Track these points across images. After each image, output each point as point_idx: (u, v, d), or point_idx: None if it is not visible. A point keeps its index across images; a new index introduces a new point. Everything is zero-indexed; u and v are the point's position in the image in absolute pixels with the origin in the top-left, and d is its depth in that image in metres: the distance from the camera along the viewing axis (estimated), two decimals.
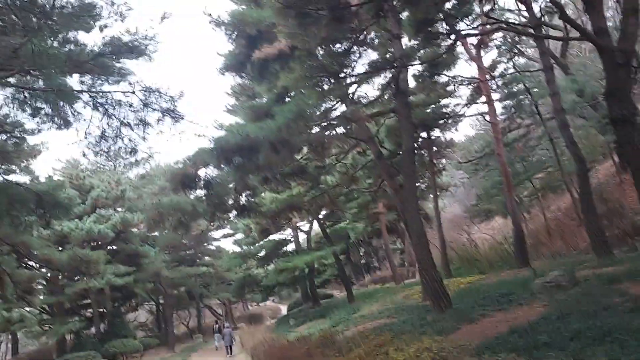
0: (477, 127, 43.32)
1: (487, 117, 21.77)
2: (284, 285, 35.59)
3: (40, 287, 28.50)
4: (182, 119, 10.32)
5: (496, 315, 9.82)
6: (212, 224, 40.35)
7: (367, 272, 51.47)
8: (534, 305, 9.47)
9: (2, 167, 16.38)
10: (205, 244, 42.22)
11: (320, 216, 29.12)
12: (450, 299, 12.33)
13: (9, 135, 15.69)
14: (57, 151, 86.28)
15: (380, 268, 51.84)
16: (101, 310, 31.72)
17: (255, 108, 15.10)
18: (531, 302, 9.86)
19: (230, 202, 16.59)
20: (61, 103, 11.60)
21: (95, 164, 35.25)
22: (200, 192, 14.66)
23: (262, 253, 33.39)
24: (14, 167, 17.03)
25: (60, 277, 26.11)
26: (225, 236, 42.96)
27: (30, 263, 18.67)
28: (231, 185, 15.65)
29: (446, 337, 8.82)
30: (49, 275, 26.75)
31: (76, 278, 26.53)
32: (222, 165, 11.61)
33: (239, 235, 37.70)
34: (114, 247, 29.84)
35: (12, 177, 16.64)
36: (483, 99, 21.20)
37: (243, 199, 16.94)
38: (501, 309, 10.25)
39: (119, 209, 29.44)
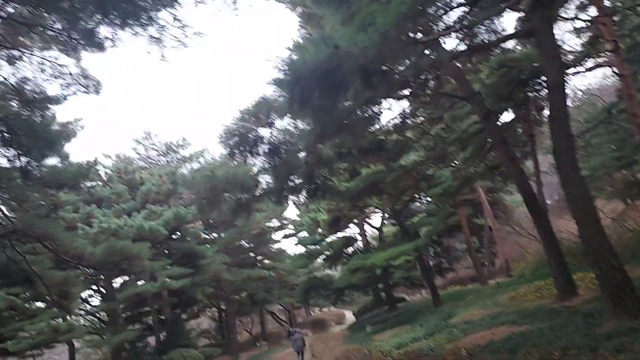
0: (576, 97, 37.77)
1: (614, 69, 17.14)
2: (356, 288, 31.87)
3: (92, 293, 26.41)
4: None
5: None
6: (271, 224, 37.49)
7: (438, 274, 47.40)
8: None
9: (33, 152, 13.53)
10: (266, 246, 39.17)
11: (392, 209, 25.37)
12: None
13: (30, 106, 12.90)
14: (103, 146, 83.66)
15: (453, 269, 47.68)
16: (160, 318, 29.37)
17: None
18: None
19: (301, 180, 13.11)
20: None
21: (146, 159, 33.23)
22: (262, 162, 11.34)
23: (329, 252, 30.06)
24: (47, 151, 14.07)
25: (104, 277, 23.65)
26: (286, 236, 39.84)
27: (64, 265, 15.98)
28: (302, 156, 12.19)
29: None
30: (102, 278, 24.44)
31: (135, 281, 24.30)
32: (295, 106, 8.02)
33: (302, 234, 34.34)
34: (167, 250, 27.29)
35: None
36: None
37: (317, 177, 13.40)
38: None
39: (172, 206, 26.78)
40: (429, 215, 31.89)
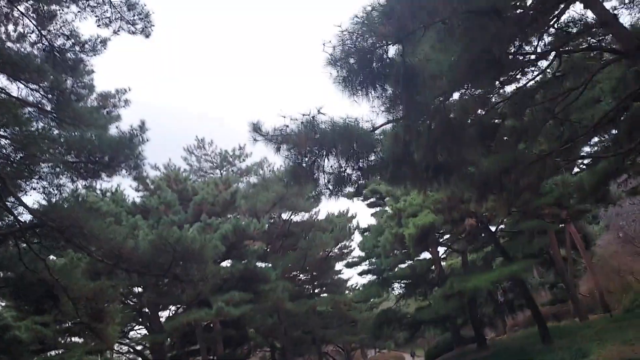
0: None
1: None
2: (436, 322, 27.09)
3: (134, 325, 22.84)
4: None
5: None
6: (336, 250, 32.94)
7: (510, 312, 42.15)
8: None
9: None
10: (328, 274, 34.68)
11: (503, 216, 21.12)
12: None
13: (59, 58, 9.54)
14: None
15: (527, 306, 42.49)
16: (211, 357, 25.52)
17: None
18: None
19: (421, 153, 9.14)
20: None
21: (198, 170, 30.01)
22: (386, 107, 7.50)
23: (410, 279, 25.61)
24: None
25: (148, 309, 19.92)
26: (350, 265, 35.13)
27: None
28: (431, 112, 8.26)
29: None
30: (145, 311, 20.83)
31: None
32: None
33: (373, 259, 29.73)
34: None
35: None
36: None
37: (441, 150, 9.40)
38: None
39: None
40: (518, 235, 26.82)
